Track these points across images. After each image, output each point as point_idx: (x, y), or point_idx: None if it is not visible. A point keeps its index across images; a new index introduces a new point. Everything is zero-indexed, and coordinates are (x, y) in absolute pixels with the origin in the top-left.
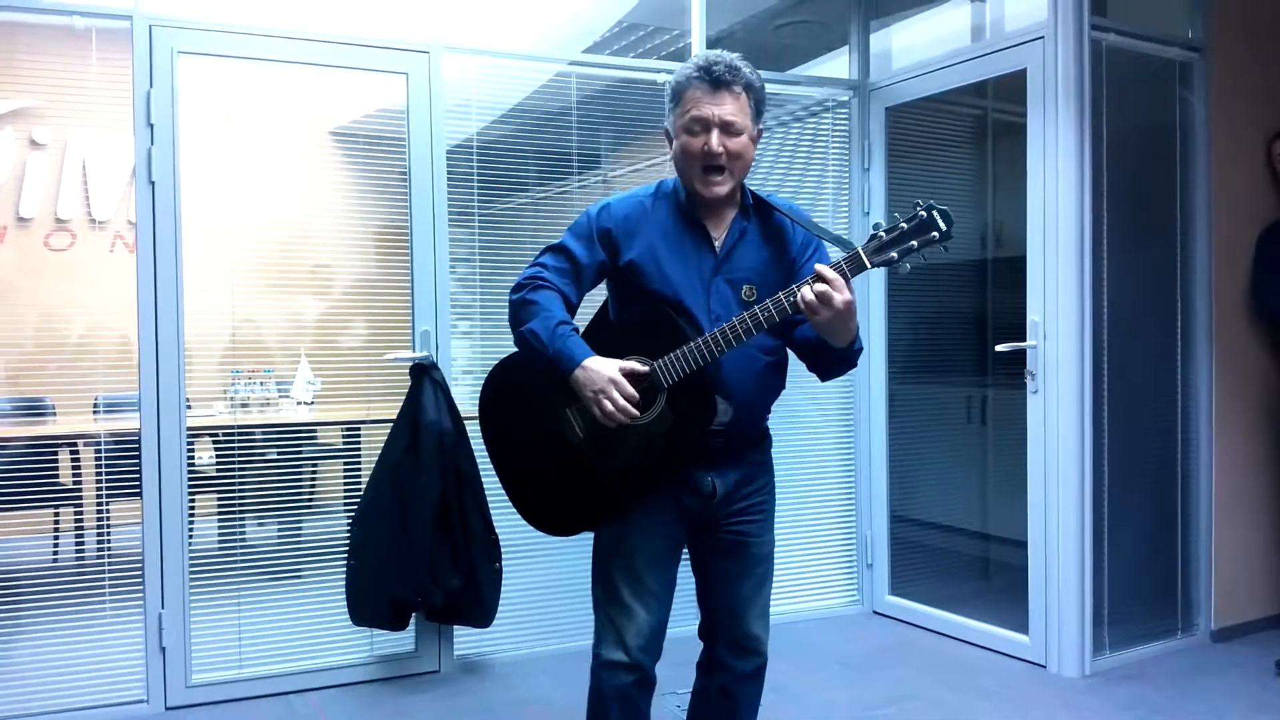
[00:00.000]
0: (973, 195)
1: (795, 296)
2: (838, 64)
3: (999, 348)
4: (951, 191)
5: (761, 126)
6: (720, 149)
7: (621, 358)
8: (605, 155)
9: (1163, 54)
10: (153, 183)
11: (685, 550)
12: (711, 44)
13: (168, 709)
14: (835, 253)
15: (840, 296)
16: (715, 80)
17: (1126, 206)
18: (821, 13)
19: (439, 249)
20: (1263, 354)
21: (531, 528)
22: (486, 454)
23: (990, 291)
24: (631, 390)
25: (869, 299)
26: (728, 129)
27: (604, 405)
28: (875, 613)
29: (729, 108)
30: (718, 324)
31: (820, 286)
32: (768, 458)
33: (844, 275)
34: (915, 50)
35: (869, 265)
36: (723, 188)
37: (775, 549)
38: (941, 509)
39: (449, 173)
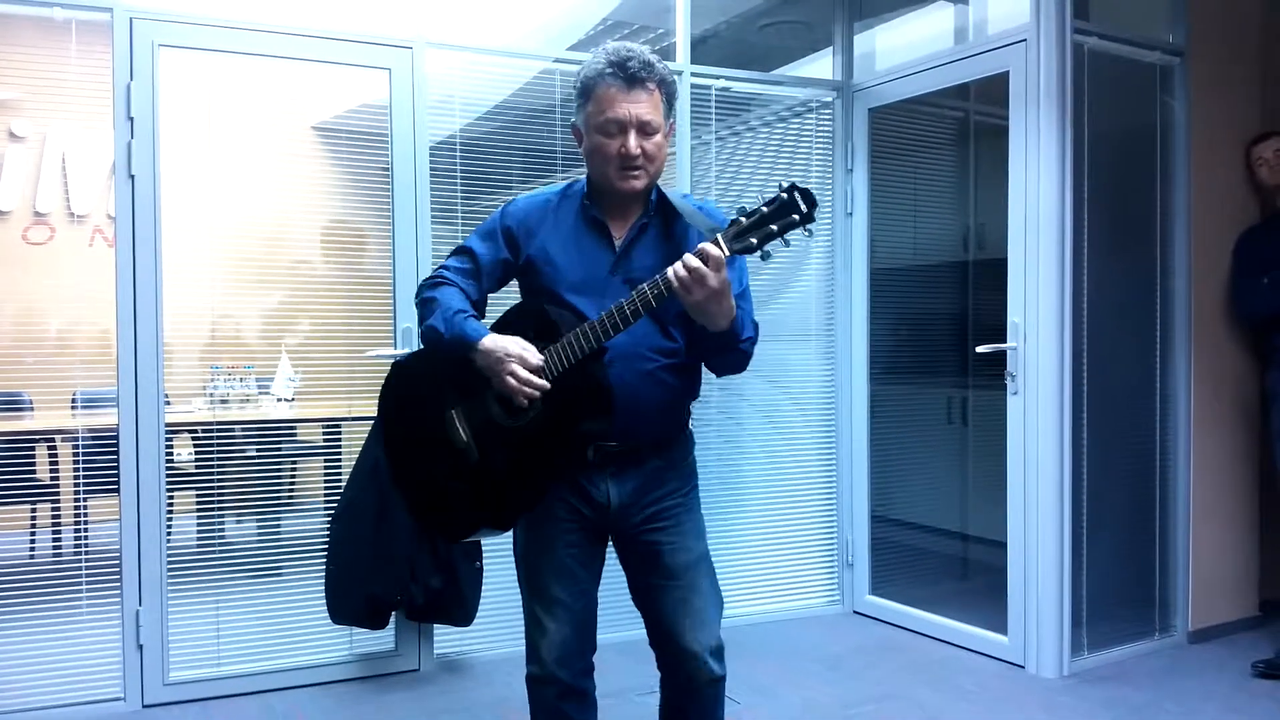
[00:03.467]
0: (955, 197)
1: (668, 277)
2: (821, 65)
3: (979, 349)
4: (933, 193)
5: (672, 121)
6: (639, 150)
7: None
8: None
9: (1144, 58)
10: (132, 176)
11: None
12: (696, 43)
13: (145, 706)
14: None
15: (716, 276)
16: (630, 77)
17: (1107, 209)
18: (806, 13)
19: (421, 246)
20: (1240, 356)
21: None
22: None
23: (971, 293)
24: (537, 360)
25: (851, 299)
26: (644, 129)
27: (511, 377)
28: (855, 612)
29: (644, 106)
30: None
31: (694, 263)
32: (680, 464)
33: (705, 261)
34: (899, 52)
35: (726, 253)
36: (640, 182)
37: (706, 557)
38: (922, 509)
39: (432, 169)
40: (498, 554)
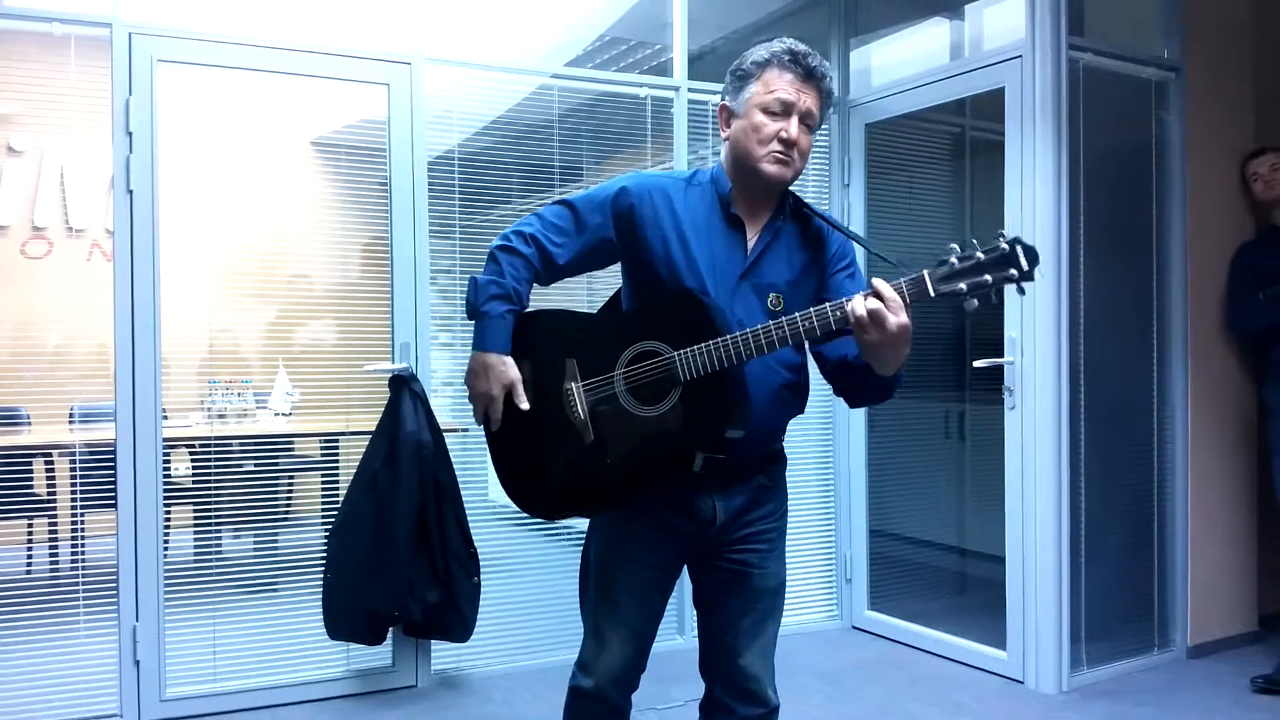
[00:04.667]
0: (951, 212)
1: (845, 309)
2: None
3: (977, 363)
4: (930, 208)
5: None
6: (798, 138)
7: (638, 340)
8: (587, 168)
9: (1139, 73)
10: (131, 191)
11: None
12: (693, 59)
13: None
14: (888, 273)
15: (895, 319)
16: (808, 70)
17: (1103, 224)
18: (803, 30)
19: (419, 260)
20: (1237, 371)
21: (509, 541)
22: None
23: None
24: (522, 405)
25: None
26: (806, 119)
27: (486, 403)
28: (854, 628)
29: (812, 99)
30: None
31: (874, 303)
32: (780, 484)
33: (903, 297)
34: (895, 68)
35: (932, 294)
36: (790, 172)
37: (785, 586)
38: (920, 524)
39: (430, 184)
40: (495, 570)
